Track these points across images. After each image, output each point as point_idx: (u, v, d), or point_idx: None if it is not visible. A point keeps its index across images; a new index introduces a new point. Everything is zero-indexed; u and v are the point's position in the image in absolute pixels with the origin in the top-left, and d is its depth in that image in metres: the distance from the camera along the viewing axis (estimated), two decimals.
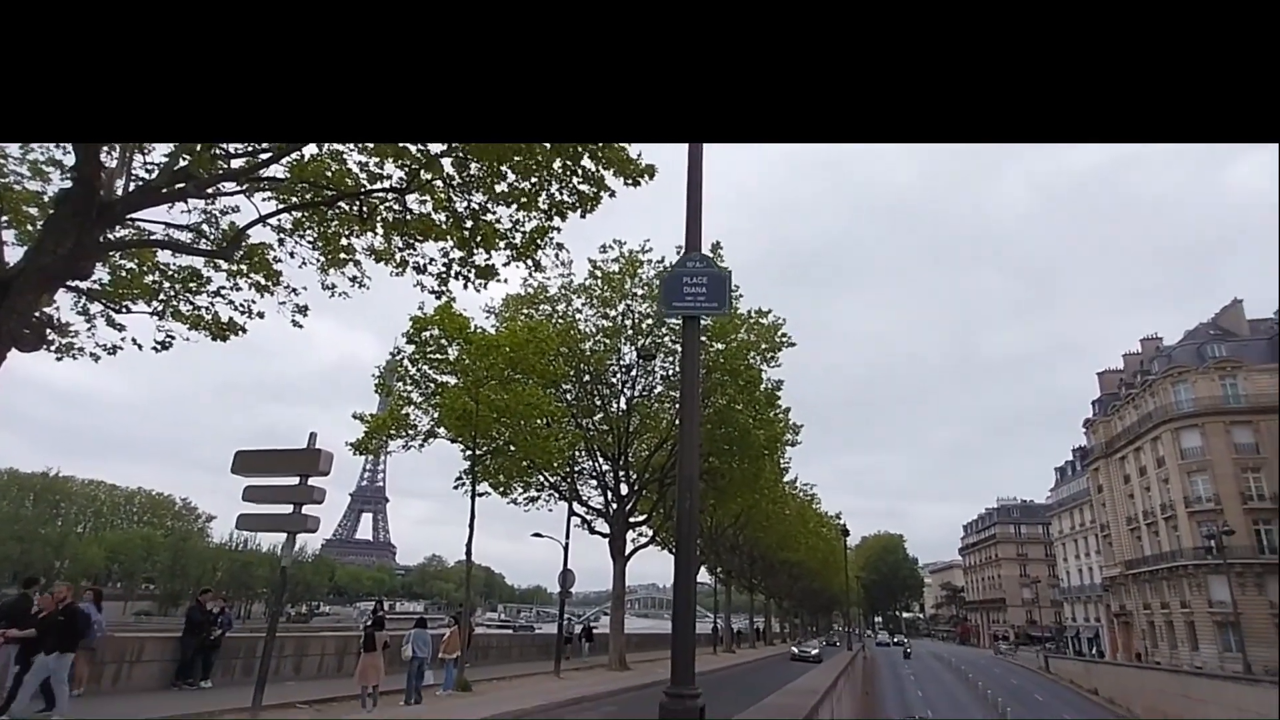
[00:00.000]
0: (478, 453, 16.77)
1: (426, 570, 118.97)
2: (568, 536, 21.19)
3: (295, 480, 11.82)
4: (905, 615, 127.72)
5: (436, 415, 15.76)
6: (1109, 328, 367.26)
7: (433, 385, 15.68)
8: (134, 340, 10.22)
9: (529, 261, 9.88)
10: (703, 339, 21.72)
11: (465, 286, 9.69)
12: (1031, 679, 55.79)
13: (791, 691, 11.63)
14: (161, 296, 10.14)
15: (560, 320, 21.70)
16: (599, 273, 21.65)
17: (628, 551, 23.78)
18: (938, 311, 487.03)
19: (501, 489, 21.21)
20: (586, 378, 22.79)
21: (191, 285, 10.21)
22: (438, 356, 15.19)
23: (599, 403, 23.28)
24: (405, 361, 15.22)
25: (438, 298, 9.93)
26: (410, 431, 15.85)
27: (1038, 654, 65.97)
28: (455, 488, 17.13)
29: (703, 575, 46.07)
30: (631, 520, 24.02)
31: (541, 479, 22.76)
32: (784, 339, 21.83)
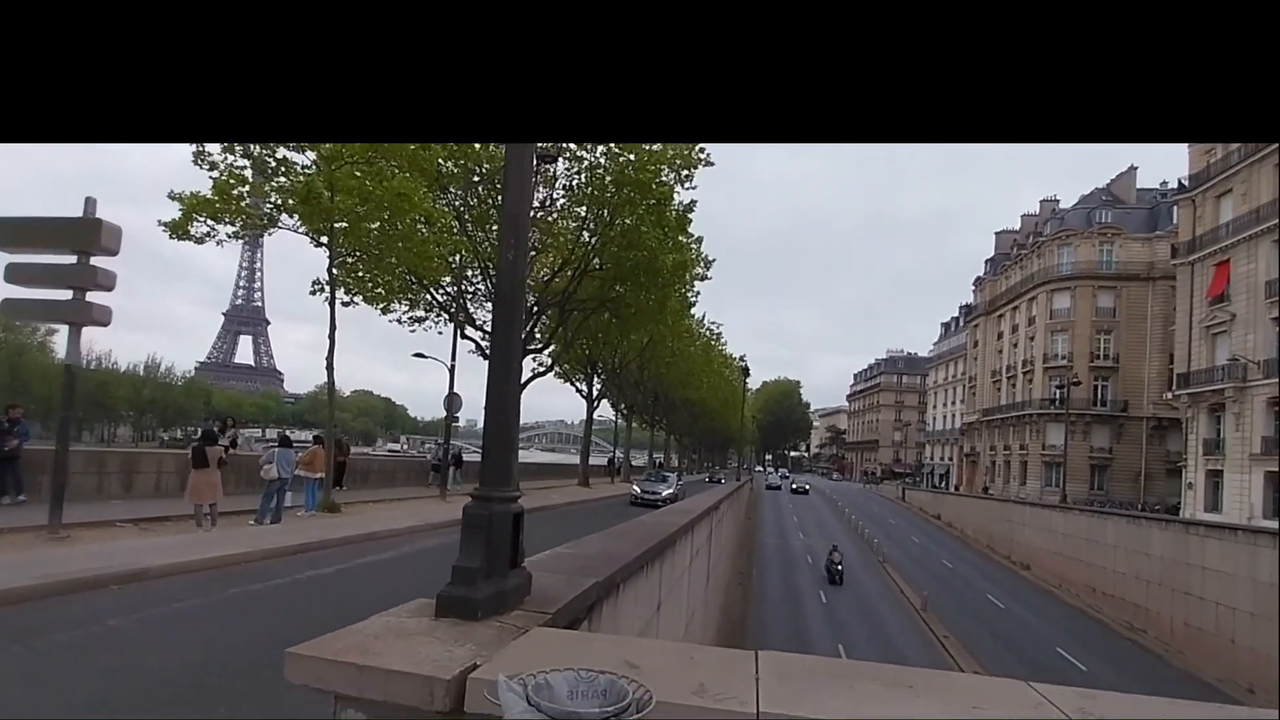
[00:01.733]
0: (343, 253, 14.37)
1: (318, 399, 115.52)
2: (453, 359, 19.71)
3: (72, 259, 9.34)
4: (793, 454, 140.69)
5: (278, 200, 12.97)
6: (1021, 194, 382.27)
7: (272, 161, 12.67)
8: None
9: None
10: (611, 147, 19.25)
11: None
12: (889, 506, 63.53)
13: (674, 510, 11.39)
14: None
15: None
16: None
17: (524, 380, 22.68)
18: (858, 167, 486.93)
19: (380, 304, 19.01)
20: (476, 179, 19.87)
21: None
22: None
23: (493, 212, 20.67)
24: None
25: None
26: (245, 217, 13.00)
27: (898, 486, 74.94)
28: (313, 293, 14.80)
29: (605, 410, 46.80)
30: (528, 348, 22.66)
31: (428, 296, 20.60)
32: (701, 156, 19.64)
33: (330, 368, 14.65)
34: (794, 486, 74.58)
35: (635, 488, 26.58)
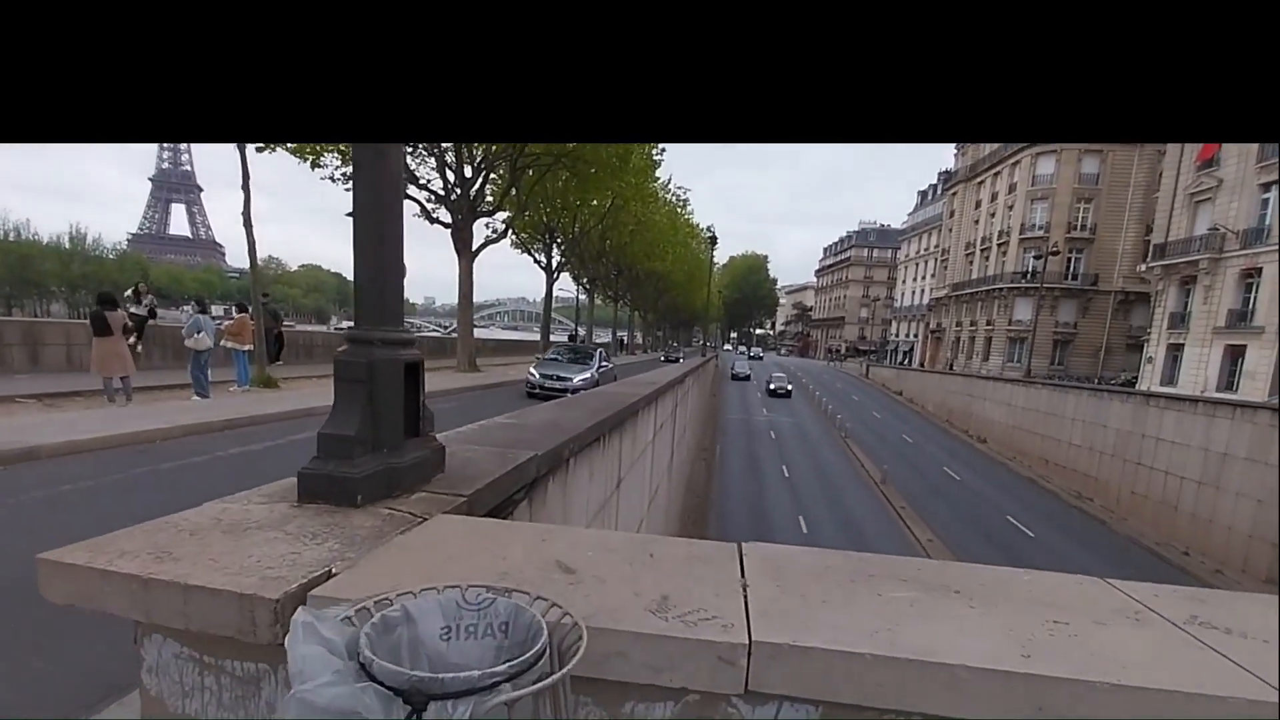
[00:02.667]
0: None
1: (263, 273, 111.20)
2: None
3: None
4: (758, 332, 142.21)
5: None
6: None
7: None
8: None
9: None
10: None
11: None
12: (853, 383, 65.12)
13: (637, 381, 10.80)
14: None
15: None
16: None
17: (476, 246, 21.10)
18: None
19: (306, 155, 16.90)
20: None
21: None
22: None
23: None
24: None
25: None
26: None
27: (862, 364, 76.66)
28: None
29: (567, 285, 45.41)
30: (478, 210, 20.88)
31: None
32: None
33: (248, 224, 13.07)
34: (772, 386, 49.99)
35: (533, 371, 17.64)
